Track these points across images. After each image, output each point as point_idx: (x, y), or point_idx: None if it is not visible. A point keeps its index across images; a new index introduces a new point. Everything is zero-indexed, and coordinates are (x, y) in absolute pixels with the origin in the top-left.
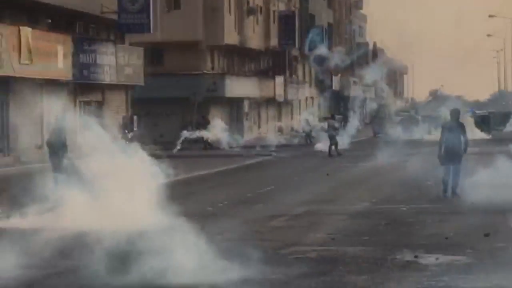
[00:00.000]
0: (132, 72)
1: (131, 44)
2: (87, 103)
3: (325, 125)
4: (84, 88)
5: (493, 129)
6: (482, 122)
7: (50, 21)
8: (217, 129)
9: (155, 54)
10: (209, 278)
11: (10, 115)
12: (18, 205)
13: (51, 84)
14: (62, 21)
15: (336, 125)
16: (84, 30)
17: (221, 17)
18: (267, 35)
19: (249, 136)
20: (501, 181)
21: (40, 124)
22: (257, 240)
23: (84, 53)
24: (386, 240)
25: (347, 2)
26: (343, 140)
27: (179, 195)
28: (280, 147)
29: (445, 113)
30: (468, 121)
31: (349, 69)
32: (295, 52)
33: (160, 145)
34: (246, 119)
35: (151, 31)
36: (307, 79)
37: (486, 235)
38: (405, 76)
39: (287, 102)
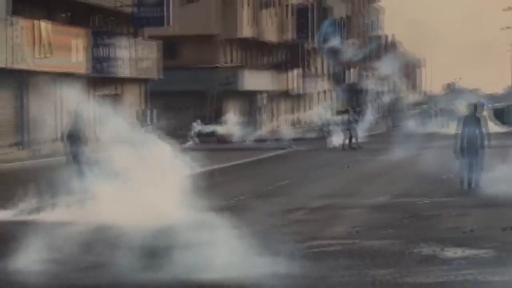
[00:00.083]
0: (148, 65)
1: (148, 38)
2: (104, 96)
3: (342, 118)
4: (101, 81)
5: (507, 123)
6: (499, 115)
7: (67, 15)
8: (230, 123)
9: (170, 47)
10: (234, 272)
11: (28, 108)
12: (43, 198)
13: (68, 78)
14: (80, 15)
15: (356, 117)
16: (101, 24)
17: (238, 10)
18: (283, 28)
19: (265, 129)
20: None
21: (58, 117)
22: (280, 233)
23: (101, 46)
24: (409, 233)
25: None
26: (361, 133)
27: (197, 188)
28: (295, 140)
29: (460, 106)
30: (483, 114)
31: (365, 62)
32: (310, 45)
33: (176, 139)
34: (263, 112)
35: (168, 24)
36: (324, 72)
37: (504, 229)
38: (421, 69)
39: (303, 95)
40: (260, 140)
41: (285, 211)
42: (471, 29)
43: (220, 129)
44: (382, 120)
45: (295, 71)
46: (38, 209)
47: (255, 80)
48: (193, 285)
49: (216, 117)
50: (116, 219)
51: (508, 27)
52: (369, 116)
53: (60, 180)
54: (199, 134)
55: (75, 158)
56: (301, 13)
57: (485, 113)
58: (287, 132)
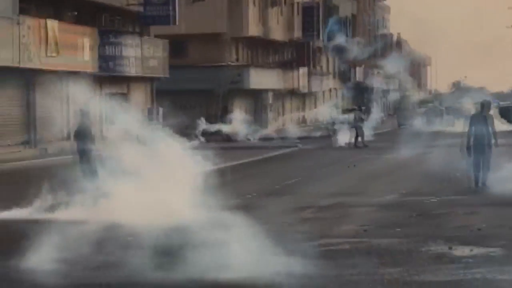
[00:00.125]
0: (156, 64)
1: (155, 36)
2: (112, 95)
3: (349, 116)
4: (108, 80)
5: None
6: (505, 114)
7: (75, 13)
8: (236, 121)
9: (178, 46)
10: (247, 271)
11: (37, 107)
12: (52, 197)
13: (75, 76)
14: (88, 14)
15: (363, 116)
16: (109, 23)
17: (245, 8)
18: (290, 26)
19: (271, 127)
20: None
21: (65, 116)
22: (289, 232)
23: (109, 45)
24: (418, 231)
25: None
26: (367, 132)
27: (206, 187)
28: (302, 139)
29: (467, 104)
30: (490, 113)
31: (371, 60)
32: (318, 43)
33: (183, 137)
34: (270, 110)
35: (176, 23)
36: (330, 70)
37: None
38: (427, 68)
39: (311, 94)
40: (266, 139)
41: (293, 210)
42: (477, 27)
43: (225, 128)
44: (390, 118)
45: (302, 70)
46: (48, 208)
47: (262, 78)
48: (207, 284)
49: (222, 115)
50: (127, 218)
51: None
52: (375, 114)
53: (69, 178)
54: (204, 133)
55: (83, 157)
56: (307, 11)
57: (491, 111)
58: (293, 130)
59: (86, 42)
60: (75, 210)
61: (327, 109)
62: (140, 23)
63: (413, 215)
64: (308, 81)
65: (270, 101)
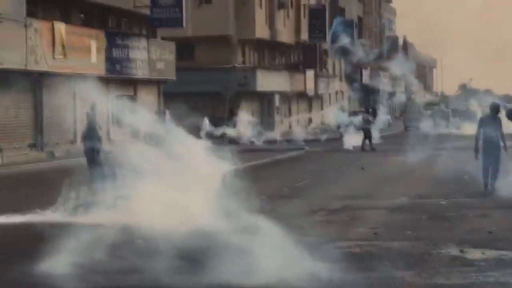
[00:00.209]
0: (163, 66)
1: (162, 39)
2: (120, 97)
3: (355, 119)
4: (116, 82)
5: None
6: None
7: (83, 16)
8: (242, 124)
9: (186, 48)
10: (259, 274)
11: (44, 110)
12: (65, 200)
13: (84, 79)
14: (95, 16)
15: (370, 118)
16: (116, 25)
17: (252, 11)
18: (297, 29)
19: (278, 130)
20: None
21: (74, 118)
22: (300, 235)
23: (116, 47)
24: (429, 234)
25: None
26: (374, 134)
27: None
28: (309, 141)
29: (474, 106)
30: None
31: (378, 62)
32: (325, 45)
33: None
34: (277, 113)
35: (184, 25)
36: (337, 72)
37: None
38: (434, 70)
39: (318, 96)
40: (271, 142)
41: (303, 213)
42: (483, 30)
43: (230, 131)
44: (397, 120)
45: (309, 72)
46: (59, 212)
47: (269, 81)
48: None
49: (229, 118)
50: (140, 221)
51: None
52: (382, 117)
53: (77, 182)
54: (209, 135)
55: (91, 159)
56: (314, 14)
57: (499, 114)
58: (300, 133)
59: (94, 44)
60: (87, 213)
61: (334, 111)
62: (147, 26)
63: (423, 218)
64: (315, 83)
65: (277, 103)
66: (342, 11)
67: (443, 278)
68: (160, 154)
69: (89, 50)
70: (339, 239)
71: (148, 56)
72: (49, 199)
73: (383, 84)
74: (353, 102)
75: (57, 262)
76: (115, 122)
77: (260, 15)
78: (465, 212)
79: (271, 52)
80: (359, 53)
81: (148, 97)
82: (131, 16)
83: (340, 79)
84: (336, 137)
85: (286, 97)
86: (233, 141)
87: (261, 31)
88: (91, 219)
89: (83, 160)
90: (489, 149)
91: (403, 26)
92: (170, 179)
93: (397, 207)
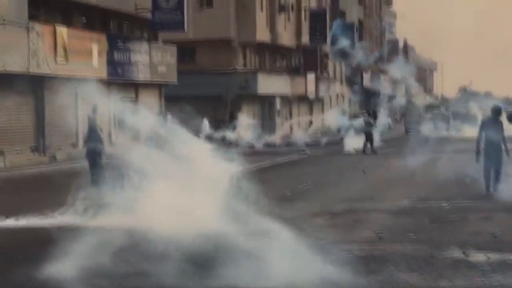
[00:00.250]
0: (165, 70)
1: (163, 42)
2: (122, 100)
3: (358, 122)
4: (118, 86)
5: None
6: None
7: (84, 19)
8: (242, 127)
9: (187, 52)
10: (265, 278)
11: (46, 113)
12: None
13: (85, 82)
14: (97, 20)
15: (371, 121)
16: (118, 29)
17: (253, 14)
18: (298, 32)
19: (279, 133)
20: None
21: (76, 122)
22: (303, 238)
23: (118, 51)
24: (432, 237)
25: None
26: (375, 137)
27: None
28: (310, 145)
29: (474, 109)
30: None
31: (378, 65)
32: (325, 49)
33: None
34: (278, 116)
35: (185, 29)
36: (337, 75)
37: None
38: (434, 73)
39: (318, 99)
40: (270, 145)
41: (307, 215)
42: (483, 33)
43: (230, 135)
44: (395, 124)
45: (309, 75)
46: (65, 215)
47: (270, 84)
48: None
49: (230, 121)
50: (151, 224)
51: None
52: (383, 120)
53: (79, 185)
54: (209, 138)
55: (92, 163)
56: (315, 17)
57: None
58: (301, 136)
59: (95, 48)
60: (94, 216)
61: (334, 115)
62: (149, 29)
63: (426, 221)
64: (316, 86)
65: (278, 106)
66: (342, 14)
67: (447, 281)
68: (165, 156)
69: (90, 53)
70: (343, 242)
71: (150, 60)
72: (53, 202)
73: (384, 87)
74: (353, 105)
75: (62, 265)
76: (117, 125)
77: (261, 18)
78: (467, 215)
79: (272, 55)
80: (359, 56)
81: (150, 101)
82: (132, 19)
83: (341, 82)
84: (336, 140)
85: (287, 100)
86: (232, 144)
87: (262, 34)
88: (99, 221)
89: (84, 163)
90: (490, 151)
91: (404, 29)
92: (177, 181)
93: (399, 210)
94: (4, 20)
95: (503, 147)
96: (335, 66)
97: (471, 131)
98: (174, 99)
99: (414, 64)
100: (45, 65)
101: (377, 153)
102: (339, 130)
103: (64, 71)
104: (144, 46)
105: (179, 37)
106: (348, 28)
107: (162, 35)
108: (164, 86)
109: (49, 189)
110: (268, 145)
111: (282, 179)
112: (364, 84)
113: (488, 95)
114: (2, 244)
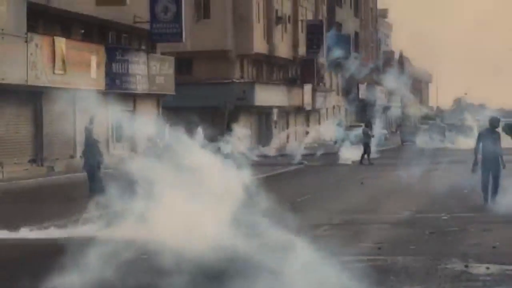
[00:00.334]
0: (163, 81)
1: (161, 54)
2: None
3: (355, 133)
4: (116, 97)
5: None
6: (508, 130)
7: (83, 31)
8: (237, 139)
9: (184, 63)
10: None
11: (44, 125)
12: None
13: (83, 94)
14: (95, 31)
15: (369, 132)
16: (116, 40)
17: (250, 26)
18: (295, 43)
19: (275, 144)
20: None
21: (73, 134)
22: (313, 250)
23: (116, 62)
24: (433, 249)
25: (373, 11)
26: (372, 149)
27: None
28: (307, 156)
29: (469, 121)
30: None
31: (374, 76)
32: (322, 60)
33: None
34: (275, 127)
35: (183, 40)
36: (334, 87)
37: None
38: (429, 85)
39: (315, 110)
40: (266, 157)
41: (307, 227)
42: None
43: (224, 147)
44: (391, 135)
45: (308, 86)
46: (67, 226)
47: (267, 95)
48: None
49: (227, 132)
50: (160, 236)
51: None
52: (378, 131)
53: (78, 197)
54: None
55: (91, 174)
56: (311, 29)
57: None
58: (296, 147)
59: (94, 59)
60: (92, 228)
61: (331, 126)
62: (147, 41)
63: (426, 233)
64: (313, 98)
65: (275, 118)
66: (339, 26)
67: None
68: (170, 167)
69: (89, 65)
70: (343, 254)
71: (148, 71)
72: (51, 214)
73: (379, 98)
74: (350, 116)
75: (70, 279)
76: (115, 135)
77: (258, 30)
78: (467, 226)
79: (269, 66)
80: (352, 67)
81: (148, 112)
82: (131, 31)
83: (337, 93)
84: (332, 151)
85: (284, 111)
86: (227, 155)
87: (259, 46)
88: (106, 233)
89: (83, 174)
90: (488, 163)
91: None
92: (184, 191)
93: (399, 221)
94: (3, 31)
95: (499, 158)
96: (331, 78)
97: (465, 142)
98: (172, 110)
99: (410, 75)
100: (44, 77)
101: (374, 164)
102: (335, 142)
103: (63, 82)
104: (142, 57)
105: (176, 49)
106: (343, 40)
107: (160, 46)
108: (162, 97)
109: (46, 201)
110: (264, 156)
111: (280, 190)
112: (360, 95)
113: (481, 106)
114: (3, 257)
